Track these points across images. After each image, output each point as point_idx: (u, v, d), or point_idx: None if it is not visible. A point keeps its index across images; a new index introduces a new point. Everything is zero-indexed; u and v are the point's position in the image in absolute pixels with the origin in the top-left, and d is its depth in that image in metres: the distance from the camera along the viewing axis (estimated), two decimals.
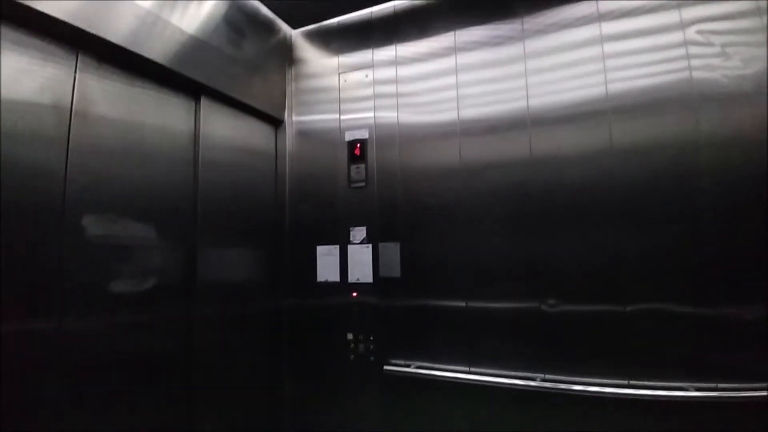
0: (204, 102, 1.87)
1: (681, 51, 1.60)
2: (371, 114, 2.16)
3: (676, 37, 1.61)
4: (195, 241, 1.78)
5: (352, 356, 2.05)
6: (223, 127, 1.98)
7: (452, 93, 1.97)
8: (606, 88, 1.69)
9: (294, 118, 2.38)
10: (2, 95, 1.20)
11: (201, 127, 1.85)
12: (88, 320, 1.38)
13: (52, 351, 1.28)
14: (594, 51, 1.73)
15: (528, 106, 1.80)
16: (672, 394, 1.47)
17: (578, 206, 1.68)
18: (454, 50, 1.99)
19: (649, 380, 1.53)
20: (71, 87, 1.40)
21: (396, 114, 2.10)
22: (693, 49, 1.59)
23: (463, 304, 1.84)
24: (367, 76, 2.20)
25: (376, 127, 2.14)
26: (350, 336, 2.07)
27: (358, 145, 2.16)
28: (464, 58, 1.96)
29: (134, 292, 1.55)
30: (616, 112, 1.67)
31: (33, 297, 1.26)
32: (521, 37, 1.85)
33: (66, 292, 1.33)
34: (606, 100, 1.69)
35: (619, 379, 1.57)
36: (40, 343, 1.26)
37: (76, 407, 1.33)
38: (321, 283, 2.18)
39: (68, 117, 1.38)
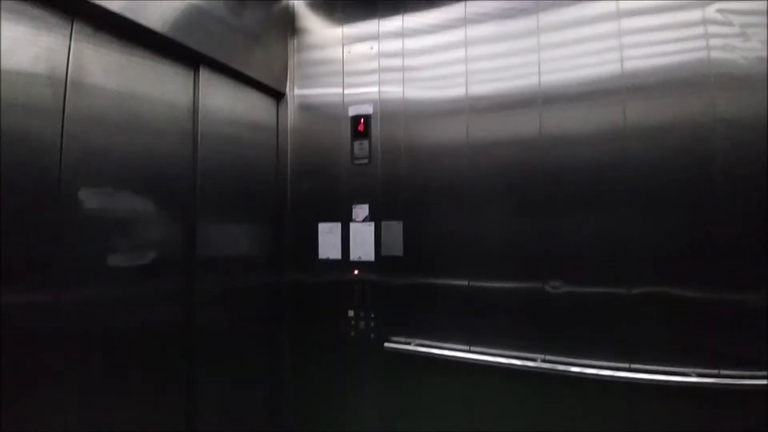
0: (203, 73, 1.81)
1: (700, 30, 1.53)
2: (376, 89, 2.10)
3: (695, 15, 1.54)
4: (194, 216, 1.76)
5: (352, 333, 2.05)
6: (222, 99, 1.92)
7: (461, 68, 1.90)
8: (621, 65, 1.63)
9: (296, 91, 2.31)
10: None
11: (200, 99, 1.79)
12: (86, 293, 1.37)
13: (50, 323, 1.27)
14: (610, 26, 1.65)
15: (540, 83, 1.73)
16: (673, 379, 1.48)
17: (587, 187, 1.64)
18: (464, 22, 1.90)
19: (650, 364, 1.53)
20: (66, 56, 1.34)
21: (402, 89, 2.03)
22: (712, 29, 1.52)
23: (466, 283, 1.83)
24: (372, 48, 2.12)
25: (381, 103, 2.08)
26: (351, 313, 2.07)
27: (362, 120, 2.11)
28: (474, 31, 1.88)
29: (133, 265, 1.53)
30: (631, 91, 1.61)
31: (30, 269, 1.23)
32: (535, 9, 1.77)
33: (63, 265, 1.31)
34: (621, 78, 1.62)
35: (620, 363, 1.57)
36: (37, 316, 1.24)
37: (75, 379, 1.33)
38: (322, 260, 2.17)
39: (63, 87, 1.33)
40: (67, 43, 1.35)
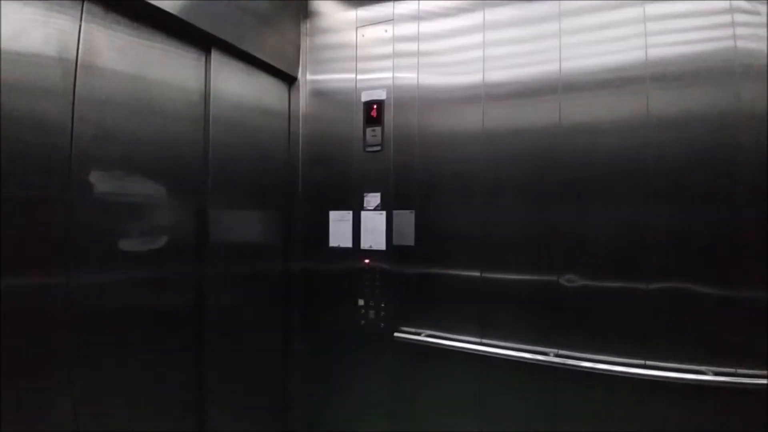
0: (215, 55, 1.78)
1: (726, 18, 1.47)
2: (390, 74, 2.05)
3: (721, 2, 1.47)
4: (206, 201, 1.74)
5: (362, 321, 2.04)
6: (234, 83, 1.89)
7: (478, 53, 1.84)
8: (646, 52, 1.56)
9: (308, 76, 2.27)
10: (4, 47, 1.13)
11: (212, 82, 1.76)
12: (97, 276, 1.37)
13: (60, 306, 1.27)
14: (635, 12, 1.58)
15: (560, 70, 1.67)
16: (688, 377, 1.44)
17: (607, 178, 1.59)
18: (482, 5, 1.84)
19: (666, 361, 1.49)
20: (77, 38, 1.31)
21: (416, 75, 1.98)
22: (739, 17, 1.45)
23: (478, 274, 1.80)
24: (386, 31, 2.06)
25: (395, 89, 2.03)
26: (361, 302, 2.05)
27: (375, 106, 2.06)
28: (493, 15, 1.82)
29: (144, 249, 1.53)
30: (654, 80, 1.54)
31: (40, 251, 1.23)
32: None
33: (74, 248, 1.30)
34: (645, 66, 1.56)
35: (635, 359, 1.53)
36: (47, 298, 1.24)
37: (85, 362, 1.33)
38: (333, 248, 2.15)
39: (73, 69, 1.31)
40: (78, 24, 1.32)
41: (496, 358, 1.69)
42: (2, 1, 1.13)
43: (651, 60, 1.55)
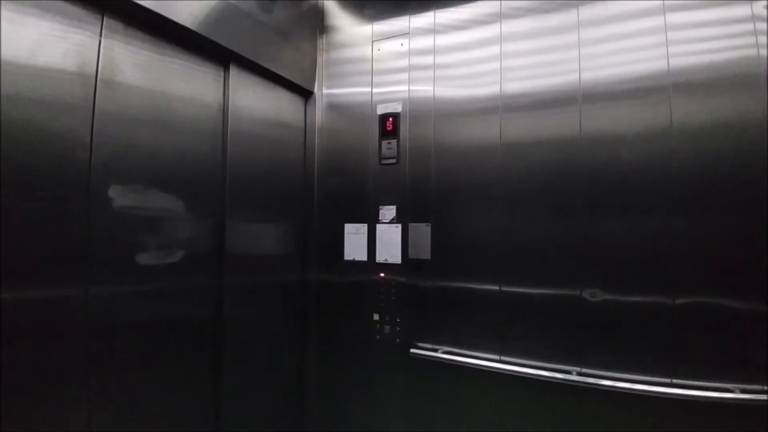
0: (233, 70, 1.79)
1: (748, 26, 1.44)
2: (405, 87, 2.04)
3: (743, 11, 1.44)
4: (224, 213, 1.74)
5: (378, 336, 2.00)
6: (252, 98, 1.91)
7: (495, 65, 1.82)
8: (668, 62, 1.53)
9: (324, 90, 2.28)
10: (25, 61, 1.15)
11: (230, 97, 1.78)
12: (115, 289, 1.37)
13: (78, 317, 1.27)
14: (655, 21, 1.55)
15: (580, 80, 1.65)
16: (715, 395, 1.37)
17: (630, 190, 1.55)
18: (499, 17, 1.83)
19: (692, 379, 1.43)
20: (96, 53, 1.33)
21: (432, 87, 1.97)
22: (760, 25, 1.42)
23: (497, 288, 1.75)
24: (402, 44, 2.07)
25: (410, 102, 2.02)
26: (377, 316, 2.02)
27: (390, 119, 2.06)
28: (510, 26, 1.81)
29: (162, 262, 1.53)
30: (677, 90, 1.51)
31: (58, 264, 1.23)
32: (575, 3, 1.68)
33: (92, 261, 1.30)
34: (667, 76, 1.53)
35: (661, 377, 1.47)
36: (65, 310, 1.24)
37: (103, 374, 1.32)
38: (348, 261, 2.13)
39: (93, 84, 1.32)
40: (98, 39, 1.34)
41: (517, 376, 1.63)
42: (20, 17, 1.14)
43: (673, 69, 1.52)
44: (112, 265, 1.36)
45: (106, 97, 1.36)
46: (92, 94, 1.32)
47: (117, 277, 1.38)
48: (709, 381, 1.41)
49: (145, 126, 1.48)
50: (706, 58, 1.49)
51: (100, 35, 1.35)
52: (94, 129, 1.32)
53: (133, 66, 1.45)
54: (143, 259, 1.46)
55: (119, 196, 1.39)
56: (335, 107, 2.25)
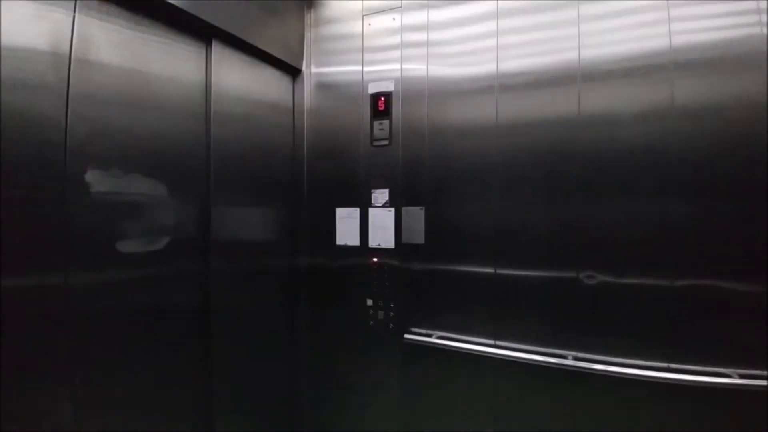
0: (216, 47, 1.70)
1: (752, 4, 1.38)
2: (398, 66, 1.96)
3: None
4: (209, 198, 1.68)
5: (371, 322, 1.98)
6: (236, 76, 1.82)
7: (491, 42, 1.75)
8: (670, 39, 1.48)
9: (313, 69, 2.20)
10: None
11: (213, 75, 1.69)
12: (95, 277, 1.31)
13: (58, 306, 1.22)
14: None
15: (579, 58, 1.59)
16: (713, 380, 1.37)
17: (630, 170, 1.51)
18: None
19: (689, 364, 1.42)
20: (70, 30, 1.25)
21: (426, 66, 1.90)
22: (765, 3, 1.37)
23: (492, 272, 1.73)
24: (394, 19, 1.98)
25: (403, 81, 1.95)
26: (370, 302, 1.99)
27: (382, 98, 1.99)
28: (507, 2, 1.73)
29: (144, 248, 1.47)
30: (679, 68, 1.46)
31: (34, 252, 1.17)
32: None
33: (71, 249, 1.25)
34: (669, 54, 1.47)
35: (658, 362, 1.46)
36: (44, 298, 1.19)
37: (85, 364, 1.28)
38: (340, 246, 2.08)
39: (67, 63, 1.24)
40: (71, 16, 1.25)
41: (512, 361, 1.62)
42: None
43: (676, 47, 1.47)
44: (91, 253, 1.31)
45: (81, 77, 1.28)
46: (66, 75, 1.24)
47: (97, 264, 1.32)
48: (707, 366, 1.40)
49: (123, 107, 1.40)
50: (709, 36, 1.43)
51: (74, 11, 1.26)
52: (69, 111, 1.25)
53: (110, 44, 1.36)
54: (124, 245, 1.40)
55: (97, 181, 1.32)
56: (325, 86, 2.17)
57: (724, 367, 1.39)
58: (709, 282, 1.41)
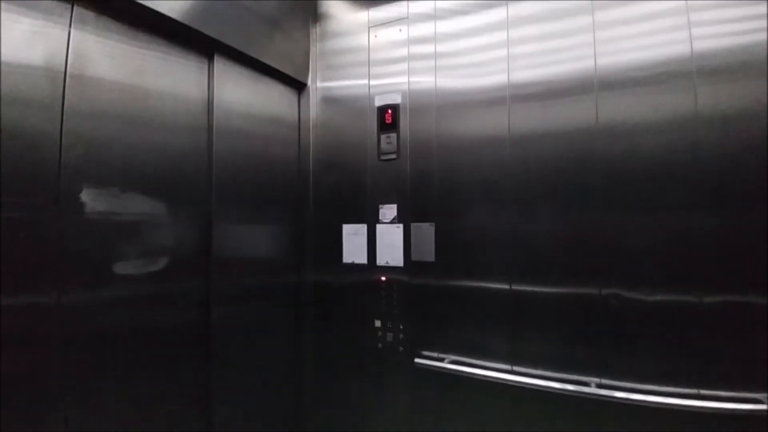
0: (218, 61, 1.66)
1: None
2: (405, 79, 1.91)
3: None
4: (210, 215, 1.62)
5: (380, 345, 1.88)
6: (239, 91, 1.78)
7: (502, 52, 1.69)
8: (691, 45, 1.40)
9: (318, 83, 2.15)
10: None
11: (215, 91, 1.64)
12: (91, 297, 1.26)
13: (51, 327, 1.16)
14: (676, 2, 1.42)
15: (596, 66, 1.51)
16: (744, 407, 1.26)
17: (652, 182, 1.42)
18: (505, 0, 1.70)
19: (721, 389, 1.31)
20: (65, 44, 1.21)
21: (434, 78, 1.84)
22: None
23: (507, 289, 1.63)
24: (401, 30, 1.93)
25: (411, 94, 1.89)
26: (378, 323, 1.90)
27: (389, 111, 1.93)
28: (517, 10, 1.67)
29: (142, 267, 1.41)
30: (702, 74, 1.38)
31: (27, 271, 1.12)
32: None
33: (65, 268, 1.20)
34: (691, 60, 1.39)
35: (687, 388, 1.35)
36: (37, 319, 1.14)
37: (81, 386, 1.22)
38: (347, 264, 2.00)
39: (62, 79, 1.21)
40: (67, 30, 1.22)
41: (530, 388, 1.51)
42: None
43: (697, 53, 1.39)
44: (87, 273, 1.25)
45: (77, 93, 1.24)
46: (61, 90, 1.21)
47: (92, 285, 1.27)
48: (739, 391, 1.29)
49: (120, 123, 1.35)
50: (731, 41, 1.36)
51: (70, 26, 1.23)
52: (63, 128, 1.21)
53: (107, 59, 1.33)
54: (121, 265, 1.34)
55: (93, 200, 1.27)
56: (331, 101, 2.12)
57: (759, 392, 1.27)
58: (739, 298, 1.31)
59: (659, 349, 1.40)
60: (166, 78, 1.49)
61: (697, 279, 1.36)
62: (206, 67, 1.64)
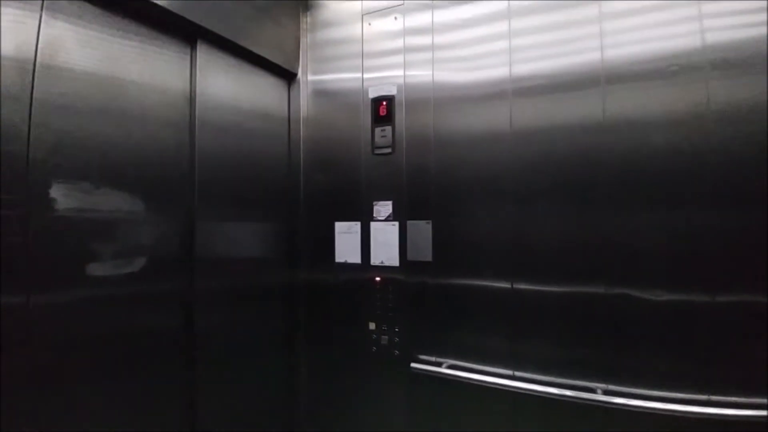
0: (201, 49, 1.55)
1: None
2: (401, 72, 1.82)
3: None
4: (193, 213, 1.53)
5: (374, 348, 1.81)
6: (224, 81, 1.67)
7: (503, 44, 1.61)
8: (702, 37, 1.34)
9: (310, 77, 2.05)
10: None
11: (198, 80, 1.54)
12: (62, 298, 1.17)
13: (19, 329, 1.08)
14: None
15: (602, 59, 1.44)
16: (758, 413, 1.21)
17: (663, 177, 1.36)
18: None
19: (733, 395, 1.26)
20: (35, 32, 1.12)
21: (431, 72, 1.75)
22: None
23: (509, 288, 1.56)
24: (396, 18, 1.84)
25: (406, 88, 1.80)
26: (373, 326, 1.82)
27: (384, 103, 1.84)
28: (519, 0, 1.59)
29: (118, 267, 1.32)
30: (715, 68, 1.31)
31: None
32: None
33: (33, 268, 1.11)
34: (702, 53, 1.33)
35: (698, 394, 1.30)
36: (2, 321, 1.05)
37: (52, 392, 1.14)
38: (339, 264, 1.92)
39: (31, 69, 1.11)
40: (38, 15, 1.12)
41: (532, 395, 1.45)
42: None
43: (709, 45, 1.33)
44: (58, 273, 1.17)
45: (47, 84, 1.14)
46: (30, 81, 1.11)
47: (65, 285, 1.18)
48: (751, 396, 1.25)
49: (94, 116, 1.25)
50: (745, 33, 1.29)
51: (41, 10, 1.13)
52: (32, 120, 1.11)
53: (80, 47, 1.22)
54: (96, 264, 1.25)
55: (64, 196, 1.18)
56: (322, 94, 2.02)
57: None
58: (754, 298, 1.25)
59: (668, 352, 1.34)
60: (144, 67, 1.38)
61: (708, 278, 1.30)
62: (188, 55, 1.53)
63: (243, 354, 1.73)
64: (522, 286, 1.55)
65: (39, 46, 1.12)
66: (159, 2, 1.34)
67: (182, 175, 1.51)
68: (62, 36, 1.18)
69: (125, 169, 1.33)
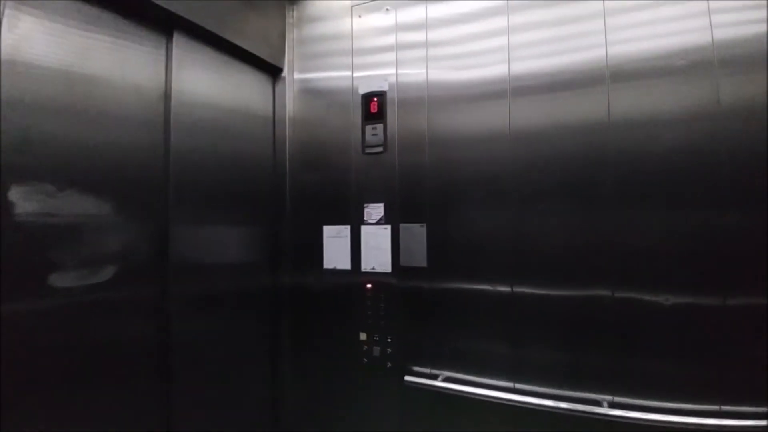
0: (178, 41, 1.43)
1: None
2: (393, 70, 1.73)
3: None
4: (167, 217, 1.42)
5: (365, 360, 1.71)
6: (203, 75, 1.56)
7: (501, 41, 1.53)
8: (711, 33, 1.28)
9: (296, 75, 1.95)
10: None
11: (173, 75, 1.42)
12: (25, 307, 1.07)
13: None
14: None
15: (607, 56, 1.37)
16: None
17: (671, 177, 1.30)
18: None
19: (745, 405, 1.21)
20: None
21: (425, 70, 1.66)
22: None
23: (509, 292, 1.49)
24: (387, 10, 1.74)
25: (399, 86, 1.71)
26: (363, 336, 1.73)
27: (375, 99, 1.75)
28: None
29: (85, 274, 1.20)
30: (724, 65, 1.26)
31: None
32: None
33: None
34: (711, 49, 1.28)
35: (708, 405, 1.24)
36: None
37: (10, 407, 1.02)
38: (328, 270, 1.82)
39: None
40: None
41: (535, 410, 1.38)
42: None
43: (718, 42, 1.28)
44: (21, 280, 1.06)
45: (8, 80, 1.03)
46: None
47: (29, 293, 1.08)
48: (760, 405, 1.19)
49: (58, 114, 1.13)
50: (755, 29, 1.25)
51: (2, 1, 1.02)
52: None
53: (44, 39, 1.11)
54: (62, 271, 1.14)
55: (24, 200, 1.06)
56: (310, 93, 1.92)
57: None
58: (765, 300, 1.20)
59: (678, 360, 1.28)
60: (114, 61, 1.26)
61: (720, 280, 1.25)
62: (163, 46, 1.41)
63: (222, 366, 1.62)
64: (523, 289, 1.48)
65: (1, 37, 1.01)
66: None
67: (155, 177, 1.39)
68: (25, 27, 1.07)
69: (91, 169, 1.20)
